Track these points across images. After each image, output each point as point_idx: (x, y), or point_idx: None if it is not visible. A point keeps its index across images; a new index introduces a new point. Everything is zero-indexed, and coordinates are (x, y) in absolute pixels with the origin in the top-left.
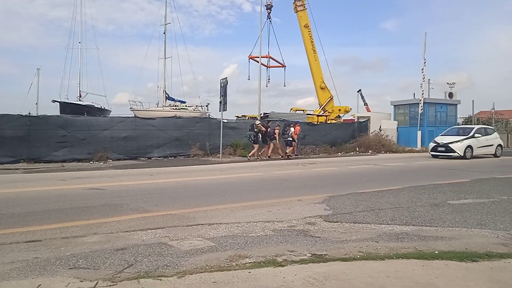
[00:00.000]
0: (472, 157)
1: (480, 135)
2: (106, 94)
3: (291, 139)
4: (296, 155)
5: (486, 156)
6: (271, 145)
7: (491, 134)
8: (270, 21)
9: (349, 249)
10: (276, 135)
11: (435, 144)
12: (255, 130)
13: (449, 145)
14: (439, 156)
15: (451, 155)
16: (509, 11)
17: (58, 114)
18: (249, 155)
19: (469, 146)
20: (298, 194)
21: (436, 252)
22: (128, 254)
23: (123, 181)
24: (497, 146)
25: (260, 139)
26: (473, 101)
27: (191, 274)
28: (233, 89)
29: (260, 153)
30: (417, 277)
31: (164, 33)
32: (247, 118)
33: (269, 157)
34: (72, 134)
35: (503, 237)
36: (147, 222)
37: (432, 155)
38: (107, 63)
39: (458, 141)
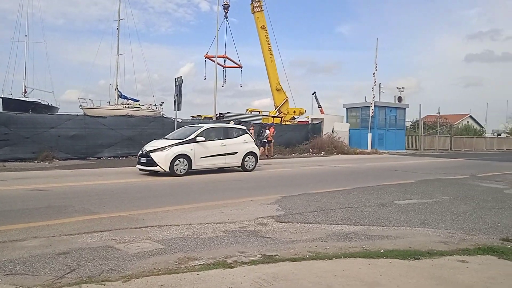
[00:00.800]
0: (191, 172)
1: (203, 139)
2: (54, 91)
3: (265, 140)
4: (272, 155)
5: (229, 170)
6: None
7: (236, 137)
8: (227, 21)
9: (299, 249)
10: (252, 135)
11: (140, 152)
12: None
13: (151, 154)
14: (149, 171)
15: (153, 170)
16: (456, 20)
17: (1, 110)
18: None
19: (183, 156)
20: (251, 195)
21: (382, 250)
22: (70, 258)
23: (69, 182)
24: (247, 155)
25: None
26: (420, 105)
27: (137, 278)
28: (189, 89)
29: None
30: (362, 275)
31: (117, 28)
32: (202, 118)
33: None
34: (15, 132)
35: (444, 235)
36: (93, 224)
37: (139, 169)
38: (56, 59)
39: (165, 147)
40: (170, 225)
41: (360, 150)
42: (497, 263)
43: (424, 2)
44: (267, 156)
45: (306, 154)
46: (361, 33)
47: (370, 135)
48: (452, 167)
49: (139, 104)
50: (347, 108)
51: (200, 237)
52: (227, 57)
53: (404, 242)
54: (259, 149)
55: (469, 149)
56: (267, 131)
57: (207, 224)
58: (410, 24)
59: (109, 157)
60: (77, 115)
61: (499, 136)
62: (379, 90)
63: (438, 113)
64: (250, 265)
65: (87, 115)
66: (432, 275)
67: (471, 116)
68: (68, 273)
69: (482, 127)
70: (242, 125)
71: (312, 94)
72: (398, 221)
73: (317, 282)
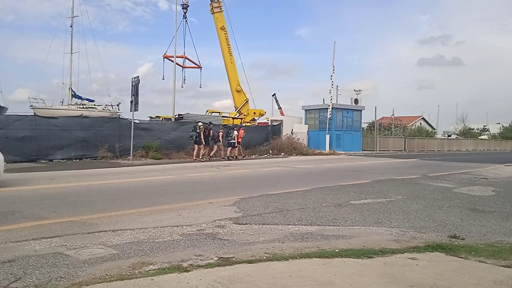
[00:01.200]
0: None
1: None
2: (2, 90)
3: (234, 141)
4: (243, 156)
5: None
6: (215, 147)
7: None
8: (186, 21)
9: (256, 251)
10: (220, 138)
11: None
12: (197, 131)
13: None
14: None
15: None
16: (409, 26)
17: None
18: (194, 157)
19: None
20: (209, 197)
21: (337, 250)
22: (16, 266)
23: (17, 186)
24: None
25: (202, 140)
26: (375, 107)
27: (87, 285)
28: (148, 89)
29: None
30: (317, 275)
31: (70, 26)
32: (161, 119)
33: (210, 158)
34: None
35: (396, 234)
36: (42, 230)
37: None
38: (5, 56)
39: None
40: (125, 230)
41: (318, 151)
42: (445, 260)
43: (379, 7)
44: (233, 157)
45: (266, 155)
46: (319, 36)
47: (328, 136)
48: (405, 167)
49: (94, 105)
50: (306, 110)
51: (156, 241)
52: (186, 57)
53: (358, 241)
54: (227, 150)
55: (422, 149)
56: (235, 132)
57: (163, 228)
58: (366, 28)
59: (61, 159)
60: (27, 115)
61: (449, 137)
62: (337, 92)
63: (393, 115)
64: (206, 268)
65: (38, 116)
66: (384, 273)
67: (423, 118)
68: (14, 282)
69: (434, 129)
70: (210, 127)
71: (272, 95)
72: (354, 221)
73: (273, 283)
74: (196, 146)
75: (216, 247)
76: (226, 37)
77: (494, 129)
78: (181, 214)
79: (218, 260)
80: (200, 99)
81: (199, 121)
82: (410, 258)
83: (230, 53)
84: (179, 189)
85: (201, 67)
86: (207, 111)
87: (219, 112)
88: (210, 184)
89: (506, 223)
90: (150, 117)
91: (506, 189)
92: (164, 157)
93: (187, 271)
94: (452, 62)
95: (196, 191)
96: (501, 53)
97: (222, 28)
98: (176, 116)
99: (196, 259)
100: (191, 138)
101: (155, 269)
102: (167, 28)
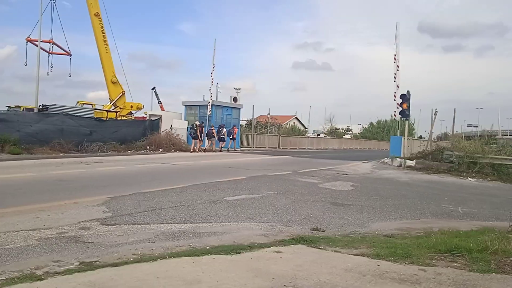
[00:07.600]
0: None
1: None
2: None
3: (223, 136)
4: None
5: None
6: (208, 142)
7: None
8: (55, 3)
9: (123, 253)
10: (214, 134)
11: None
12: (195, 128)
13: None
14: None
15: None
16: (286, 31)
17: None
18: (192, 150)
19: None
20: (75, 197)
21: (208, 247)
22: None
23: None
24: None
25: (199, 135)
26: (253, 106)
27: None
28: (8, 74)
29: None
30: (185, 274)
31: None
32: (22, 109)
33: (204, 150)
34: None
35: (265, 228)
36: None
37: None
38: None
39: None
40: None
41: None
42: (306, 251)
43: (260, 11)
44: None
45: (143, 151)
46: (202, 32)
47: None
48: (278, 164)
49: None
50: (186, 106)
51: (6, 247)
52: (53, 43)
53: (229, 237)
54: (219, 144)
55: (294, 147)
56: (224, 129)
57: (16, 232)
58: (247, 29)
59: None
60: None
61: (318, 136)
62: (217, 90)
63: (269, 114)
64: (64, 275)
65: None
66: (250, 268)
67: (296, 118)
68: None
69: (306, 128)
70: (202, 125)
71: (152, 89)
72: (227, 217)
73: (138, 286)
74: (193, 141)
75: (79, 251)
76: (101, 24)
77: (356, 129)
78: (40, 216)
79: (79, 265)
80: (72, 89)
81: (197, 121)
82: (276, 252)
83: (105, 42)
84: (39, 188)
85: (71, 54)
86: (77, 102)
87: (91, 104)
88: (77, 182)
89: (360, 215)
90: (9, 106)
91: (362, 184)
92: (25, 151)
93: (41, 279)
94: (322, 67)
95: (60, 190)
96: (364, 62)
97: (96, 15)
98: (40, 107)
99: (53, 265)
100: (191, 135)
101: (1, 280)
102: (32, 8)
